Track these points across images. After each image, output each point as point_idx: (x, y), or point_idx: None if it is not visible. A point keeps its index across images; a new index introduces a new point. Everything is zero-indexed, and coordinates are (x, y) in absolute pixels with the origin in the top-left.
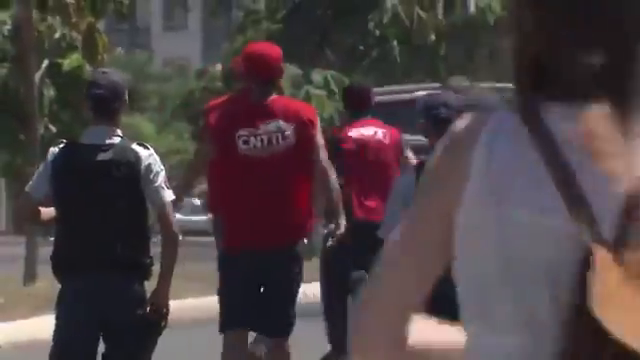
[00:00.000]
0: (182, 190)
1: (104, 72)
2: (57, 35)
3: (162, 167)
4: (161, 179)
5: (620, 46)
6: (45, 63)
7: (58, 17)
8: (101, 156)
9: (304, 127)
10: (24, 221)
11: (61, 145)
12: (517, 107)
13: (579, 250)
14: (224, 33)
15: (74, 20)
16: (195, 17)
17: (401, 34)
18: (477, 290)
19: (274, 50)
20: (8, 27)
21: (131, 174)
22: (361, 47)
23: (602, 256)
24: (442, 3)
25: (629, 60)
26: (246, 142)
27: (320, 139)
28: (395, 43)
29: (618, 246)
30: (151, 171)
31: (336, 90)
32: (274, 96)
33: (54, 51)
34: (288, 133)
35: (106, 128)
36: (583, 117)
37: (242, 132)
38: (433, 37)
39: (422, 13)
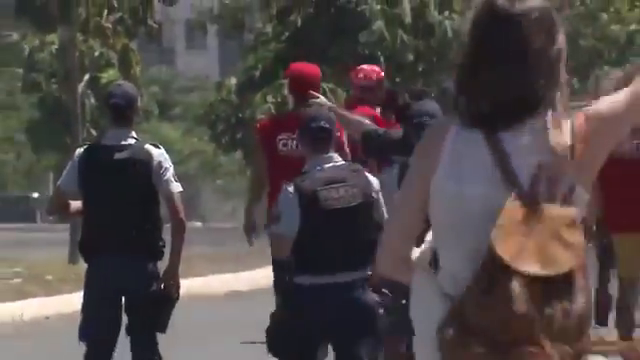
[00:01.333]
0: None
1: (119, 84)
2: (96, 54)
3: (171, 164)
4: (170, 174)
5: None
6: (86, 77)
7: (97, 39)
8: (118, 155)
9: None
10: (55, 212)
11: (85, 146)
12: (478, 125)
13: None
14: (238, 52)
15: (111, 41)
16: (213, 38)
17: (387, 53)
18: (443, 228)
19: (311, 69)
20: (55, 47)
21: (145, 170)
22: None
23: (512, 203)
24: (422, 27)
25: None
26: (285, 144)
27: (346, 143)
28: (382, 60)
29: (529, 198)
30: (162, 167)
31: (332, 99)
32: None
33: (94, 67)
34: None
35: (123, 131)
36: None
37: (282, 136)
38: (411, 57)
39: (405, 36)
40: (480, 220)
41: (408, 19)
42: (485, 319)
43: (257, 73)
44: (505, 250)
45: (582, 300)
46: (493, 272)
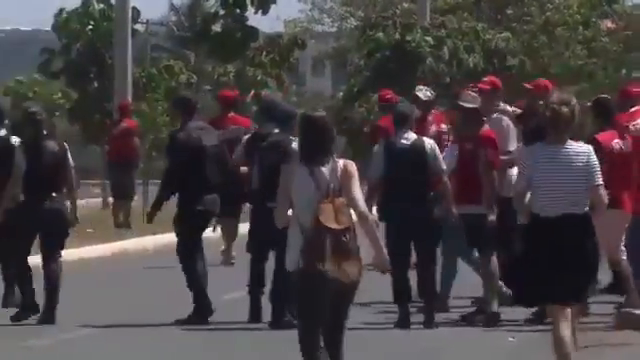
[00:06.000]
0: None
1: (271, 95)
2: (258, 78)
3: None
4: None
5: None
6: (252, 92)
7: (259, 69)
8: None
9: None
10: None
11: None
12: (305, 164)
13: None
14: (344, 77)
15: (269, 71)
16: (328, 69)
17: (433, 78)
18: (297, 204)
19: (230, 93)
20: (232, 74)
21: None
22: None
23: (322, 199)
24: (455, 62)
25: None
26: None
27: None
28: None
29: (327, 195)
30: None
31: (404, 101)
32: (232, 114)
33: (257, 86)
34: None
35: (273, 124)
36: None
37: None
38: (448, 80)
39: (444, 67)
40: (308, 203)
41: (446, 57)
42: (316, 250)
43: (355, 90)
44: (323, 219)
45: (354, 235)
46: (317, 228)
